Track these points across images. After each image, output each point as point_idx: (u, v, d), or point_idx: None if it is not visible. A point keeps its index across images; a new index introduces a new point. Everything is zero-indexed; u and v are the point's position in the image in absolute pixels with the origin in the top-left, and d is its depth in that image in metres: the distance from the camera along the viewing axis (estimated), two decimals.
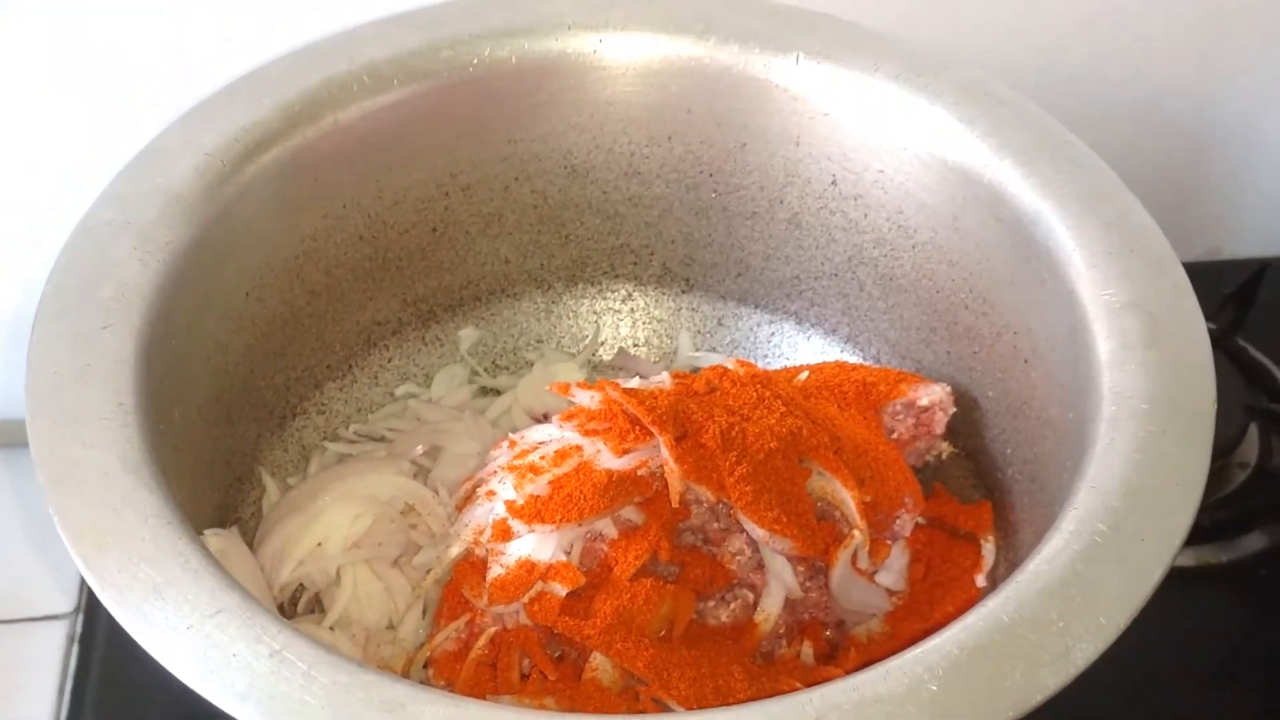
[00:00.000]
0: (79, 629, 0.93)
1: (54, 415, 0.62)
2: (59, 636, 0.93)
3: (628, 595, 0.69)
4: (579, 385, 0.75)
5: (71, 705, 0.88)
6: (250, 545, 0.78)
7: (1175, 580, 0.91)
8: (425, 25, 0.81)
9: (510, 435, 0.77)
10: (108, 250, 0.69)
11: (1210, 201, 1.16)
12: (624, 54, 0.83)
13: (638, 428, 0.71)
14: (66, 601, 0.95)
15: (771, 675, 0.70)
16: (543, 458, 0.72)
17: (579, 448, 0.72)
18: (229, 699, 0.53)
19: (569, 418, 0.74)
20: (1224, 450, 0.98)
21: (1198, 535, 0.94)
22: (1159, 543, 0.59)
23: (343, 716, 0.52)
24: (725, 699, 0.67)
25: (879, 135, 0.81)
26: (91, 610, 0.94)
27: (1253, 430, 1.00)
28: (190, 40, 0.90)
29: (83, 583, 0.96)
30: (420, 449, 0.84)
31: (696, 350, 0.93)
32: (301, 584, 0.79)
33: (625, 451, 0.71)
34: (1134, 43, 1.07)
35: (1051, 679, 0.54)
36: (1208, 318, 1.02)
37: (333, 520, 0.79)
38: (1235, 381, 1.01)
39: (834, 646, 0.76)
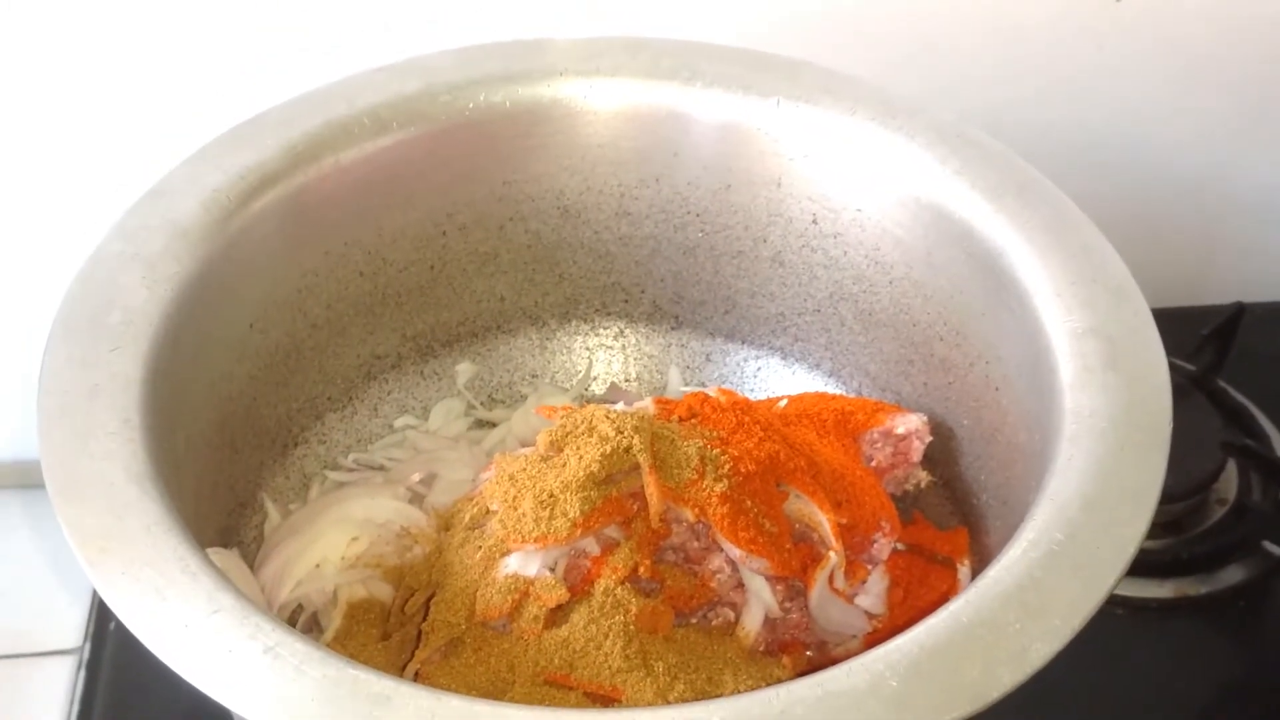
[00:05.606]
0: (85, 663, 0.95)
1: (63, 430, 0.64)
2: (66, 671, 0.95)
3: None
4: (564, 409, 0.76)
5: None
6: (251, 568, 0.80)
7: (1156, 611, 0.95)
8: (423, 72, 0.84)
9: (497, 456, 0.79)
10: (116, 279, 0.71)
11: (1187, 249, 1.19)
12: (613, 99, 0.85)
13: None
14: (73, 637, 0.97)
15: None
16: None
17: None
18: (224, 691, 0.55)
19: None
20: (1203, 485, 1.00)
21: (1178, 568, 0.97)
22: (1114, 551, 0.61)
23: (332, 708, 0.54)
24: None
25: (857, 175, 0.83)
26: (98, 645, 0.96)
27: (1231, 467, 1.02)
28: (186, 92, 0.93)
29: (89, 618, 0.98)
30: (416, 476, 0.86)
31: (686, 385, 0.95)
32: (300, 604, 0.80)
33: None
34: (1110, 95, 1.10)
35: (1008, 677, 0.56)
36: (1187, 359, 1.05)
37: (330, 542, 0.80)
38: (1215, 421, 1.03)
39: (815, 667, 0.76)
